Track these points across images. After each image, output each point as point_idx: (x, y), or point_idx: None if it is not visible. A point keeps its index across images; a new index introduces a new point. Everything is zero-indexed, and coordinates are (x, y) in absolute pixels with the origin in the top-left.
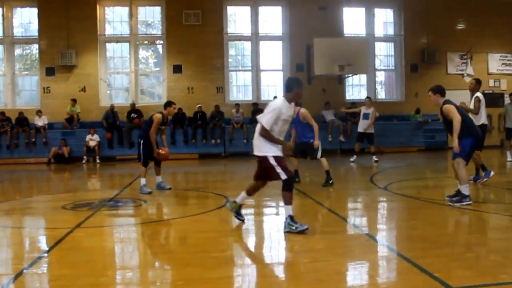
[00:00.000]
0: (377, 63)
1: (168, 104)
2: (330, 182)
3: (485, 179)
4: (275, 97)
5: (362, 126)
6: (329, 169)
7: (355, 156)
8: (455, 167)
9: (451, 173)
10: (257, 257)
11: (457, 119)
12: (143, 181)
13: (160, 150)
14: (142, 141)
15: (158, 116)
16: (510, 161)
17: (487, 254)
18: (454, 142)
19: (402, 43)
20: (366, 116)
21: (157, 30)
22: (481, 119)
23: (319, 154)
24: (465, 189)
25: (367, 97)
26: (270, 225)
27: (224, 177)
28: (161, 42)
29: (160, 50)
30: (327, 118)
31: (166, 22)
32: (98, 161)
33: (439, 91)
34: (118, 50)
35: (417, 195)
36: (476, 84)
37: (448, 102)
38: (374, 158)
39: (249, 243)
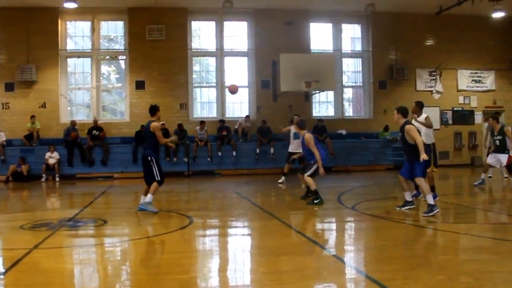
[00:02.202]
0: (344, 79)
1: (156, 108)
2: (316, 201)
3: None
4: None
5: (293, 146)
6: (316, 188)
7: (283, 178)
8: (418, 183)
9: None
10: (221, 279)
11: (418, 139)
12: (151, 197)
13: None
14: (154, 159)
15: (156, 124)
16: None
17: (458, 276)
18: (422, 156)
19: (370, 59)
20: (297, 136)
21: (119, 45)
22: (430, 139)
23: (308, 172)
24: (430, 199)
25: (295, 115)
26: (235, 246)
27: (188, 196)
28: (124, 57)
29: (123, 66)
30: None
31: (129, 37)
32: (57, 179)
33: (402, 111)
34: (79, 65)
35: (386, 215)
36: (416, 107)
37: (408, 123)
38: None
39: (213, 264)
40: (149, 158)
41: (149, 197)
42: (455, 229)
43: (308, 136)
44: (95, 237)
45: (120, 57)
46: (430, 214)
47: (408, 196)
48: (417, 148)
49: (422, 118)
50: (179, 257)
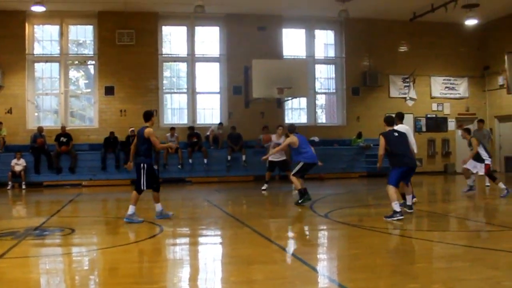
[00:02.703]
0: (317, 86)
1: (151, 114)
2: (300, 201)
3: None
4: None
5: (274, 155)
6: (301, 188)
7: (266, 185)
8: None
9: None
10: None
11: (379, 152)
12: (132, 209)
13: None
14: (145, 165)
15: (150, 130)
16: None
17: (430, 285)
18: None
19: (343, 65)
20: (278, 145)
21: (88, 49)
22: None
23: (294, 171)
24: (396, 206)
25: (279, 126)
26: (206, 254)
27: None
28: (93, 62)
29: (92, 71)
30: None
31: (98, 41)
32: (24, 187)
33: (385, 120)
34: (47, 70)
35: (359, 223)
36: (395, 117)
37: (383, 133)
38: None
39: (183, 274)
40: (141, 165)
41: (131, 209)
42: (429, 237)
43: (295, 138)
44: (62, 246)
45: (89, 62)
46: (389, 219)
47: (408, 201)
48: (393, 158)
49: (400, 128)
50: (149, 267)
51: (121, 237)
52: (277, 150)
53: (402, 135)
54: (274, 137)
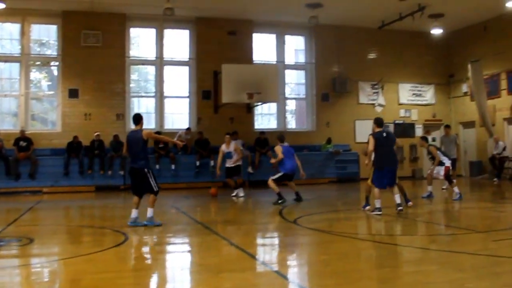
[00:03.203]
0: (287, 91)
1: (141, 117)
2: (280, 201)
3: (366, 208)
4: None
5: (231, 160)
6: (279, 191)
7: (236, 191)
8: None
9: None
10: None
11: (369, 148)
12: (151, 212)
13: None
14: (150, 170)
15: (148, 130)
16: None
17: None
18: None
19: (313, 71)
20: (229, 155)
21: (52, 50)
22: None
23: (274, 177)
24: (377, 203)
25: (227, 134)
26: (173, 263)
27: (123, 212)
28: (56, 63)
29: (55, 72)
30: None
31: (62, 42)
32: None
33: (375, 122)
34: (6, 70)
35: (329, 229)
36: (373, 124)
37: (373, 134)
38: (239, 192)
39: (150, 284)
40: (145, 170)
41: (150, 211)
42: (397, 241)
43: (280, 149)
44: (19, 258)
45: (52, 63)
46: (368, 212)
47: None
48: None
49: None
50: (113, 277)
51: (84, 246)
52: (277, 161)
53: (390, 138)
54: (223, 147)
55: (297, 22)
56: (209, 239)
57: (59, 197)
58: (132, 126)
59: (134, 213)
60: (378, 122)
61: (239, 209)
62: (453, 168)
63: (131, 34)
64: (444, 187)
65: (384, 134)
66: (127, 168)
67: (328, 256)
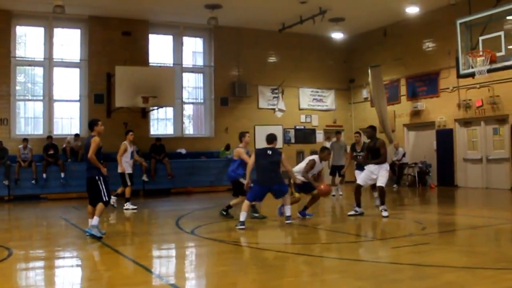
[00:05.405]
0: (185, 95)
1: (94, 122)
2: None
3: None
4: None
5: (129, 168)
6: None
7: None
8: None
9: (262, 213)
10: None
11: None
12: (97, 220)
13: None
14: (101, 177)
15: (94, 138)
16: (334, 195)
17: None
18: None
19: (212, 74)
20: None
21: None
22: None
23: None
24: (242, 216)
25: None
26: (62, 279)
27: (8, 224)
28: None
29: None
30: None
31: None
32: None
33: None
34: None
35: (227, 239)
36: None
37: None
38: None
39: None
40: (96, 177)
41: (95, 220)
42: (298, 250)
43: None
44: None
45: None
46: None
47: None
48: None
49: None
50: None
51: None
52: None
53: (273, 155)
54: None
55: (196, 23)
56: (101, 253)
57: None
58: (19, 132)
59: (90, 222)
60: (266, 138)
61: (134, 220)
62: (339, 175)
63: (17, 32)
64: (333, 194)
65: (269, 152)
66: None
67: (226, 267)
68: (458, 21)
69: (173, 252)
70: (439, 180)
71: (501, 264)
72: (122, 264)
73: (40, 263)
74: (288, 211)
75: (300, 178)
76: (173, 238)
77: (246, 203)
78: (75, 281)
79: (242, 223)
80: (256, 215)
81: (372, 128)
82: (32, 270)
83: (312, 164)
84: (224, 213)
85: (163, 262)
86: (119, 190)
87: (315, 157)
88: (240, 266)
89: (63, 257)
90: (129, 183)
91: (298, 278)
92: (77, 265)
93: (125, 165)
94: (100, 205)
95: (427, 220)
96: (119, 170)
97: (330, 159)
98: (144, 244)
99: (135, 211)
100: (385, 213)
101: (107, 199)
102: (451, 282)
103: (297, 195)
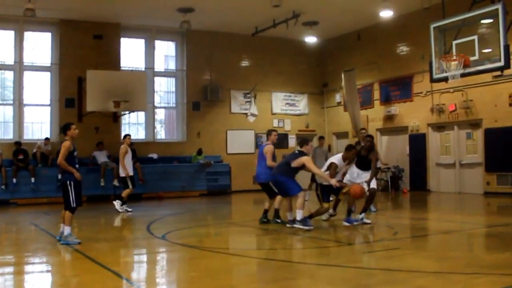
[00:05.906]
0: (157, 99)
1: (67, 127)
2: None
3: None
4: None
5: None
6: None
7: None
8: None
9: (235, 218)
10: None
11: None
12: (69, 229)
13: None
14: (72, 182)
15: (64, 143)
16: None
17: None
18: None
19: (184, 78)
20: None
21: None
22: None
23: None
24: (299, 214)
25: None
26: (32, 285)
27: None
28: None
29: None
30: (99, 159)
31: None
32: None
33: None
34: None
35: (198, 244)
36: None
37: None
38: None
39: None
40: (67, 182)
41: (67, 229)
42: (269, 256)
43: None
44: None
45: None
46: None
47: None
48: None
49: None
50: None
51: None
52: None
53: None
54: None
55: (168, 27)
56: (71, 258)
57: None
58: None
59: (62, 227)
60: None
61: (105, 225)
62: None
63: None
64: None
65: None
66: None
67: (197, 273)
68: (432, 25)
69: (144, 258)
70: (411, 184)
71: (472, 269)
72: (92, 269)
73: (9, 269)
74: (299, 215)
75: (332, 181)
76: (144, 244)
77: (299, 201)
78: (45, 287)
79: (307, 220)
80: (279, 220)
81: (372, 137)
82: (0, 276)
83: (335, 167)
84: (265, 220)
85: (134, 268)
86: (124, 194)
87: (336, 158)
88: (211, 272)
89: (33, 263)
90: (130, 186)
91: (268, 283)
92: (47, 271)
93: (128, 167)
94: (67, 214)
95: (399, 225)
96: (123, 174)
97: None
98: (115, 250)
99: (129, 213)
100: (367, 220)
101: (74, 205)
102: (422, 287)
103: (326, 205)
